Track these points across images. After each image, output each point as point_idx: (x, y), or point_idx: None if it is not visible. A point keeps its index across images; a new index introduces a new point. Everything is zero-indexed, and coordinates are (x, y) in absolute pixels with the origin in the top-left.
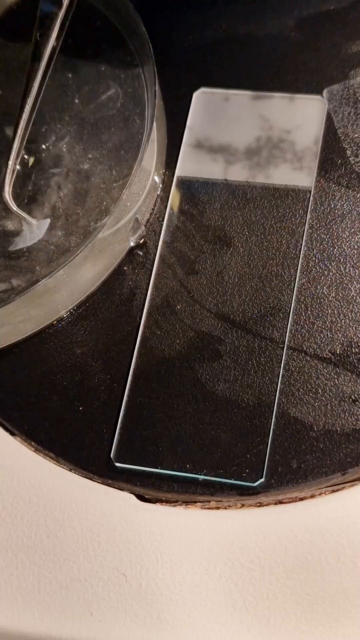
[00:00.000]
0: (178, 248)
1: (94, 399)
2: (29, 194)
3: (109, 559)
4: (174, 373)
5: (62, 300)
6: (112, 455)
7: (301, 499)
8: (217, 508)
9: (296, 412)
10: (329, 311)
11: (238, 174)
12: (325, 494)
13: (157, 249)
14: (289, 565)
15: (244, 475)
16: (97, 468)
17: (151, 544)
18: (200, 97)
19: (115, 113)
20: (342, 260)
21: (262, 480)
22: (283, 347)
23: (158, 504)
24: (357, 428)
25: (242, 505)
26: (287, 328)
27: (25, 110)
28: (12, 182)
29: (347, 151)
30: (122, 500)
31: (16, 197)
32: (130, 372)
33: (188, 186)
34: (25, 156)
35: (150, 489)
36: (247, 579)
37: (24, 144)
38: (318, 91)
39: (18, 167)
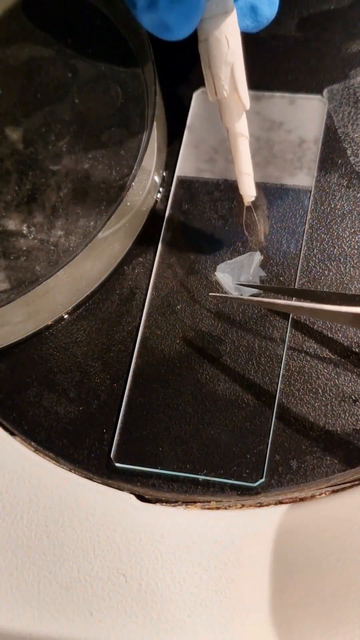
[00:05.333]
0: (178, 248)
1: (94, 399)
2: (29, 194)
3: (109, 559)
4: (174, 373)
5: (62, 300)
6: (112, 455)
7: (301, 499)
8: (217, 508)
9: (296, 412)
10: None
11: None
12: (325, 494)
13: (157, 249)
14: (289, 565)
15: (244, 475)
16: (97, 468)
17: (151, 544)
18: (200, 97)
19: (115, 113)
20: (342, 260)
21: (262, 480)
22: (283, 347)
23: (158, 504)
24: (357, 428)
25: (242, 506)
26: (287, 328)
27: None
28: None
29: (347, 151)
30: (122, 500)
31: (15, 196)
32: (130, 372)
33: (188, 186)
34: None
35: (150, 489)
36: (247, 579)
37: None
38: (318, 91)
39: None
